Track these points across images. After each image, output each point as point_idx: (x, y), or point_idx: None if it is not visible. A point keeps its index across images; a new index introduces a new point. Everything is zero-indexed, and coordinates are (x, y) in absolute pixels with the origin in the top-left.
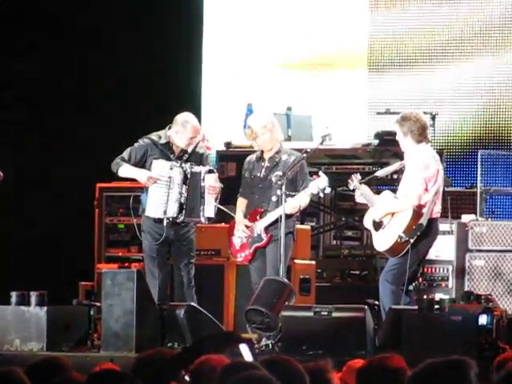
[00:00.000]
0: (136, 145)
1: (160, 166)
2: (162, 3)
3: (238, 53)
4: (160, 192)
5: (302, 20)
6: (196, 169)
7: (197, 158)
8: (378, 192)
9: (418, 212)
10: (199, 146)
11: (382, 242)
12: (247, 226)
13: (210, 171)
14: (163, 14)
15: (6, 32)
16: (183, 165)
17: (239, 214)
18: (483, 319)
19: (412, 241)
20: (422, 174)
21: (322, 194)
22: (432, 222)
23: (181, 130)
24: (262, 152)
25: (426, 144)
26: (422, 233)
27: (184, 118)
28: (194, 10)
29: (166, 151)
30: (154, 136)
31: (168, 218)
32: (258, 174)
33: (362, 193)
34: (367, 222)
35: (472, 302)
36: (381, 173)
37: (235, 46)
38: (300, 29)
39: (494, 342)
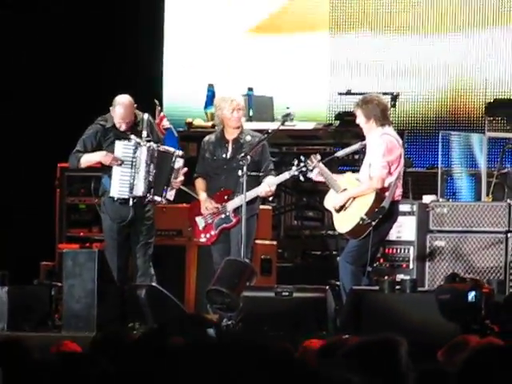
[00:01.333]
0: (86, 133)
1: (123, 146)
2: None
3: (198, 27)
4: (125, 172)
5: None
6: (167, 149)
7: (149, 128)
8: (339, 172)
9: (380, 195)
10: (140, 118)
11: (344, 224)
12: (214, 207)
13: (182, 156)
14: None
15: None
16: (149, 144)
17: (203, 195)
18: (472, 296)
19: (374, 223)
20: (385, 157)
21: (302, 178)
22: (393, 204)
23: (112, 111)
24: (223, 132)
25: (388, 127)
26: (384, 215)
27: (116, 99)
28: None
29: (118, 132)
30: (100, 121)
31: (134, 198)
32: (224, 156)
33: (319, 171)
34: (328, 204)
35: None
36: (341, 153)
37: (195, 19)
38: None
39: (482, 321)
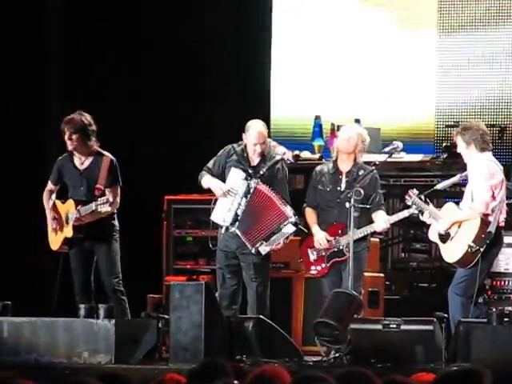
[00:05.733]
0: (219, 152)
1: (235, 175)
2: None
3: (304, 62)
4: (228, 200)
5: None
6: (282, 209)
7: (272, 171)
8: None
9: (485, 220)
10: (277, 159)
11: (452, 253)
12: (328, 240)
13: (296, 225)
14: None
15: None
16: (255, 183)
17: (316, 227)
18: None
19: (482, 250)
20: (488, 181)
21: (421, 217)
22: (498, 230)
23: (246, 136)
24: (337, 164)
25: (488, 152)
26: (490, 241)
27: (249, 123)
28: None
29: (241, 159)
30: (235, 144)
31: (227, 227)
32: (338, 188)
33: (430, 214)
34: (433, 235)
35: None
36: (441, 186)
37: (300, 54)
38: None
39: None
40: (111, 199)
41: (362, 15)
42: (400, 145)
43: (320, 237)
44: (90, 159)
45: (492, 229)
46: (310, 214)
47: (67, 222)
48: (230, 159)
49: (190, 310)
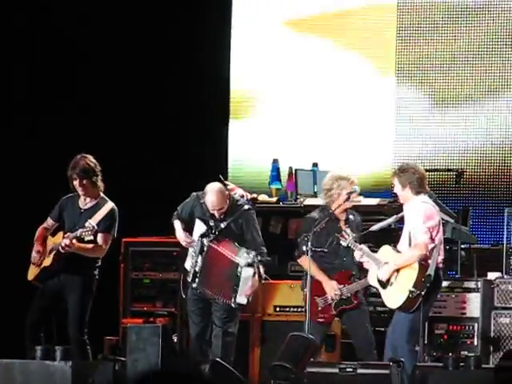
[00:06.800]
0: (187, 199)
1: (199, 228)
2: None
3: (265, 103)
4: (192, 250)
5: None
6: (231, 258)
7: (237, 224)
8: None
9: (424, 263)
10: (241, 211)
11: (393, 299)
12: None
13: (250, 265)
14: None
15: None
16: (207, 243)
17: (325, 277)
18: None
19: (423, 293)
20: (426, 224)
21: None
22: (437, 271)
23: (205, 198)
24: (333, 211)
25: (424, 195)
26: (430, 284)
27: (207, 187)
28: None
29: (206, 212)
30: (200, 192)
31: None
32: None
33: (363, 253)
34: (372, 280)
35: None
36: (376, 227)
37: (261, 97)
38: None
39: None
40: (95, 226)
41: (322, 61)
42: (357, 188)
43: (334, 287)
44: (94, 202)
45: (431, 271)
46: (310, 263)
47: (50, 253)
48: (195, 209)
49: (147, 353)
